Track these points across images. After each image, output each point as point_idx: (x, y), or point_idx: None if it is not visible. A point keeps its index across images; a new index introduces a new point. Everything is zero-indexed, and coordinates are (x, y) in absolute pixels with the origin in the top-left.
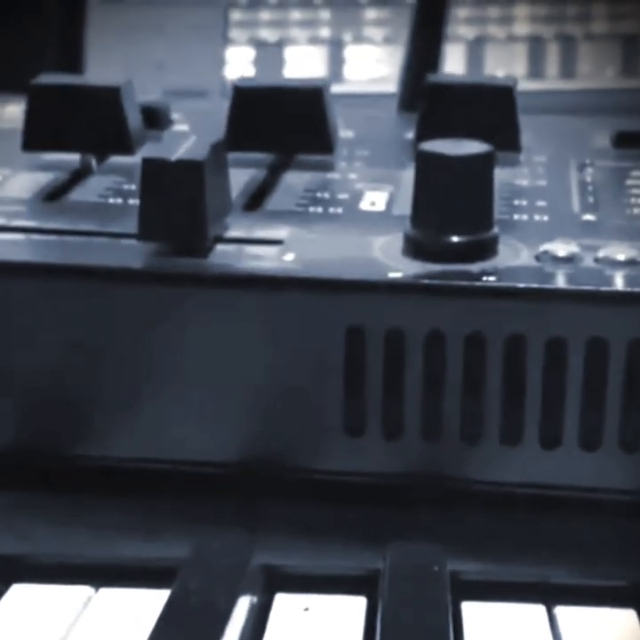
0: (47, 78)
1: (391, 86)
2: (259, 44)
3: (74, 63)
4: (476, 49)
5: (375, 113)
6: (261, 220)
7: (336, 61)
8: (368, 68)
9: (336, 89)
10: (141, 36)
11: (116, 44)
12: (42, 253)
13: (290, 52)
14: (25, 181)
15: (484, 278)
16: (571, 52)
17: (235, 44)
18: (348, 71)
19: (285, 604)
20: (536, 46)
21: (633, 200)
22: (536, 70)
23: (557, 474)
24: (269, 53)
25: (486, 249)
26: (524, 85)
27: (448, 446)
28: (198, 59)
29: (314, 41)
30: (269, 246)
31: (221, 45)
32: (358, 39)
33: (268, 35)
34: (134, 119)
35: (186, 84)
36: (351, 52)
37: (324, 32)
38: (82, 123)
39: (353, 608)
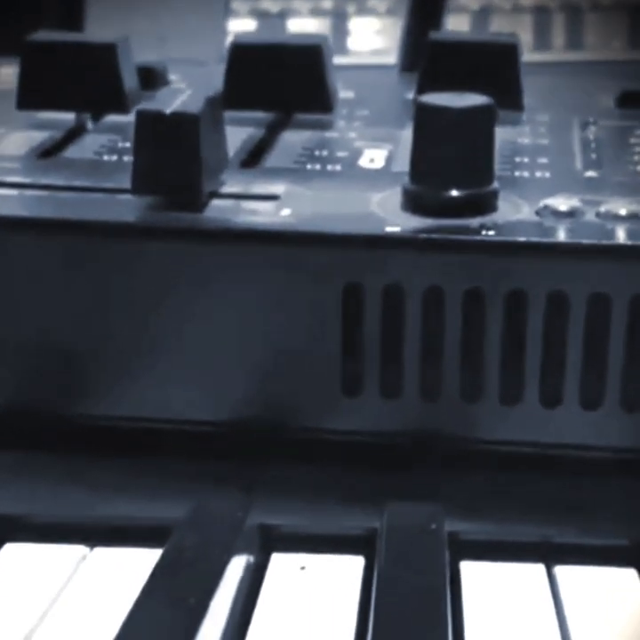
0: (42, 35)
1: (394, 58)
2: (260, 15)
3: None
4: (480, 19)
5: (376, 75)
6: (258, 177)
7: (339, 33)
8: (371, 39)
9: (339, 60)
10: (142, 7)
11: (116, 14)
12: (35, 208)
13: (292, 24)
14: (20, 139)
15: (483, 232)
16: (577, 22)
17: (236, 16)
18: (352, 43)
19: (282, 564)
20: (542, 17)
21: (636, 157)
22: (542, 41)
23: (558, 432)
24: (271, 24)
25: (486, 203)
26: (530, 57)
27: (447, 405)
28: (200, 30)
29: (316, 12)
30: (266, 202)
31: (223, 16)
32: (361, 10)
33: (269, 5)
34: (130, 77)
35: (187, 56)
36: (354, 24)
37: (327, 3)
38: (77, 80)
39: (350, 567)
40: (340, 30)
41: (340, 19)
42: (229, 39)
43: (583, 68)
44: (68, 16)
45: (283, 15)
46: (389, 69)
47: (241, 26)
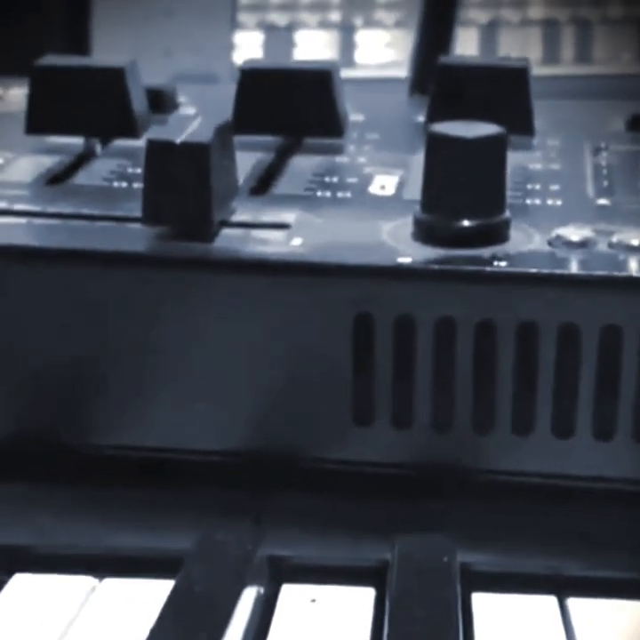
0: (50, 60)
1: (402, 71)
2: (268, 28)
3: (79, 49)
4: (489, 33)
5: (386, 96)
6: (268, 204)
7: (347, 46)
8: (379, 52)
9: (347, 74)
10: (149, 21)
11: (123, 29)
12: (44, 238)
13: (300, 36)
14: (28, 165)
15: (495, 263)
16: (586, 36)
17: (244, 28)
18: (359, 56)
19: (292, 596)
20: (551, 30)
21: None
22: (551, 55)
23: (570, 464)
24: (279, 37)
25: (498, 233)
26: (539, 70)
27: (459, 436)
28: (207, 44)
29: (324, 25)
30: (276, 231)
31: (230, 30)
32: (369, 23)
33: (277, 18)
34: (139, 101)
35: (194, 70)
36: (362, 37)
37: (335, 16)
38: (85, 105)
39: (361, 599)
40: (348, 43)
41: (347, 31)
42: (237, 52)
43: (592, 81)
44: (74, 29)
45: (290, 28)
46: (398, 84)
47: (248, 39)
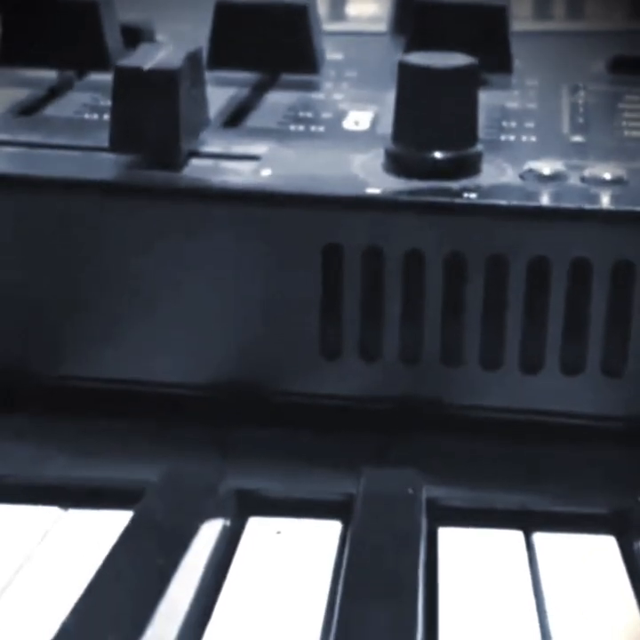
0: None
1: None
2: None
3: None
4: None
5: (366, 37)
6: (240, 137)
7: None
8: (369, 5)
9: (336, 27)
10: None
11: None
12: (12, 165)
13: None
14: (0, 97)
15: (465, 195)
16: None
17: None
18: (350, 9)
19: (258, 528)
20: None
21: (624, 123)
22: (542, 10)
23: (538, 399)
24: None
25: (469, 166)
26: (531, 26)
27: (427, 369)
28: None
29: None
30: (246, 162)
31: None
32: None
33: None
34: (113, 35)
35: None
36: None
37: None
38: (59, 38)
39: (327, 532)
40: None
41: None
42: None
43: (583, 38)
44: None
45: None
46: (384, 36)
47: None
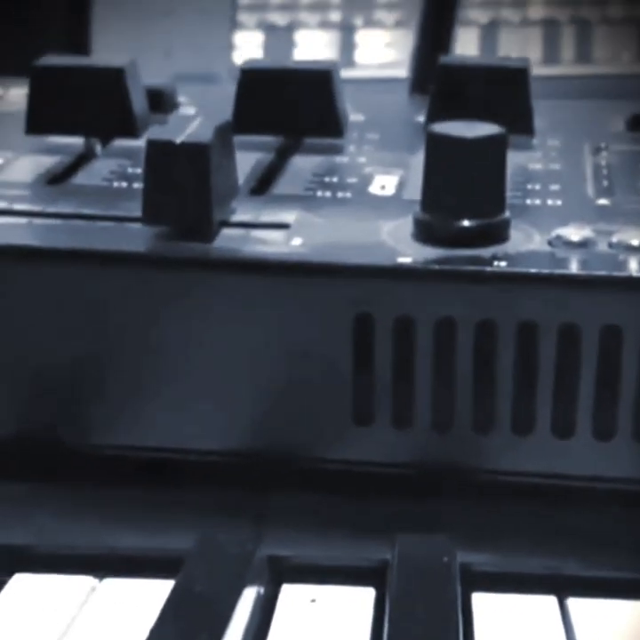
0: (50, 59)
1: (402, 71)
2: (268, 28)
3: (79, 48)
4: (489, 33)
5: (386, 96)
6: (268, 204)
7: (347, 45)
8: (379, 52)
9: (347, 74)
10: (148, 20)
11: (123, 29)
12: (45, 238)
13: (300, 36)
14: (28, 165)
15: (495, 263)
16: (586, 36)
17: (244, 28)
18: (359, 55)
19: (292, 596)
20: (551, 30)
21: None
22: (551, 55)
23: (570, 464)
24: (279, 37)
25: (497, 233)
26: (539, 70)
27: (459, 436)
28: (206, 43)
29: (324, 25)
30: (276, 230)
31: (230, 30)
32: (369, 23)
33: (277, 18)
34: (139, 101)
35: (194, 70)
36: (362, 37)
37: (335, 16)
38: (85, 105)
39: (361, 599)
40: (348, 43)
41: (347, 31)
42: (237, 52)
43: (592, 82)
44: (74, 29)
45: (290, 28)
46: (398, 84)
47: (248, 38)
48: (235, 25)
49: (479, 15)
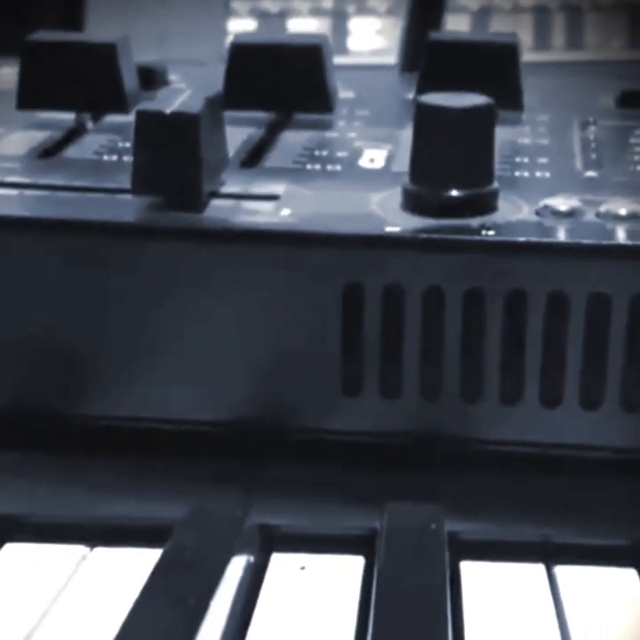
0: (42, 35)
1: (394, 58)
2: (261, 15)
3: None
4: (480, 19)
5: (376, 75)
6: (258, 177)
7: (339, 33)
8: (371, 39)
9: (339, 60)
10: (142, 7)
11: (117, 14)
12: (36, 208)
13: (292, 24)
14: (20, 139)
15: (483, 232)
16: (577, 22)
17: (237, 16)
18: (351, 43)
19: (282, 563)
20: (542, 17)
21: (636, 157)
22: (542, 41)
23: (558, 432)
24: (271, 24)
25: (486, 203)
26: (530, 57)
27: (447, 405)
28: (200, 30)
29: (316, 12)
30: (266, 202)
31: (223, 16)
32: (361, 10)
33: (269, 5)
34: (130, 77)
35: (187, 56)
36: (354, 24)
37: (327, 3)
38: (77, 80)
39: (350, 567)
40: (340, 30)
41: (339, 18)
42: (229, 39)
43: (583, 67)
44: (68, 16)
45: (283, 15)
46: (389, 69)
47: (241, 26)
48: (228, 12)
49: (470, 2)
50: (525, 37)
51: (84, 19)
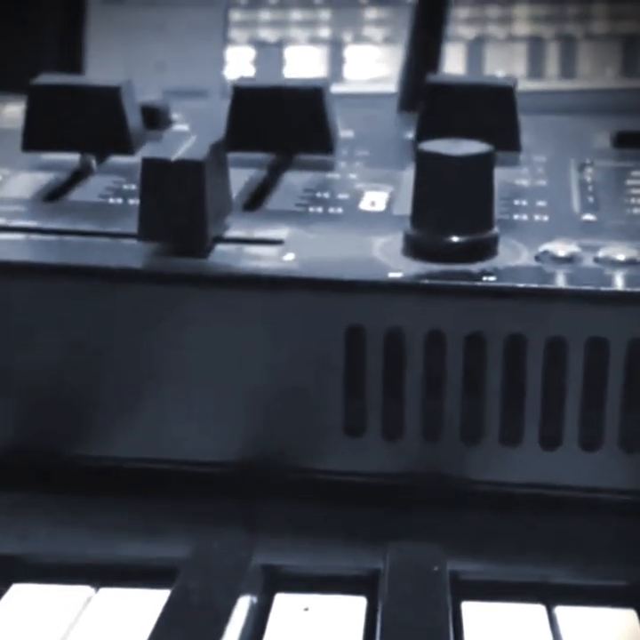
0: (47, 78)
1: (391, 86)
2: (259, 44)
3: (74, 63)
4: (475, 49)
5: (375, 113)
6: (261, 220)
7: (336, 61)
8: (368, 68)
9: (336, 89)
10: (141, 36)
11: (116, 44)
12: (42, 253)
13: (290, 52)
14: (25, 181)
15: (484, 278)
16: (570, 52)
17: (235, 44)
18: (348, 71)
19: (285, 604)
20: (536, 46)
21: (633, 200)
22: (536, 70)
23: (557, 474)
24: (269, 53)
25: (486, 249)
26: (524, 85)
27: (448, 446)
28: (198, 59)
29: (314, 41)
30: (269, 246)
31: (221, 45)
32: (358, 39)
33: (268, 35)
34: (134, 119)
35: (186, 85)
36: (351, 52)
37: (324, 32)
38: (81, 122)
39: (353, 608)
40: (337, 59)
41: (336, 47)
42: (228, 68)
43: (576, 96)
44: (69, 45)
45: (280, 44)
46: (386, 99)
47: (239, 54)
48: (226, 41)
49: (466, 31)
50: (519, 66)
51: (84, 50)
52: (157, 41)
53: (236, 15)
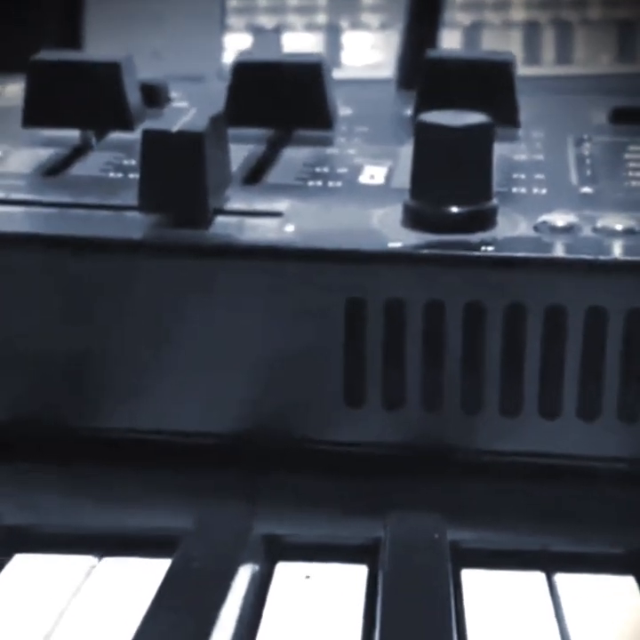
0: (47, 54)
1: (388, 72)
2: (256, 31)
3: (72, 49)
4: (472, 34)
5: (373, 92)
6: (261, 193)
7: (333, 47)
8: (365, 53)
9: (333, 74)
10: (139, 23)
11: (114, 31)
12: (42, 225)
13: (287, 38)
14: (25, 157)
15: (483, 248)
16: (567, 37)
17: (232, 31)
18: (345, 57)
19: (287, 573)
20: (532, 32)
21: (630, 173)
22: (532, 56)
23: (557, 443)
24: (267, 39)
25: (485, 219)
26: (521, 71)
27: (448, 416)
28: (196, 46)
29: (311, 27)
30: (269, 218)
31: (219, 32)
32: (355, 25)
33: (265, 21)
34: (134, 95)
35: (184, 71)
36: (348, 38)
37: (321, 18)
38: (81, 98)
39: (354, 576)
40: (335, 45)
41: (334, 33)
42: (226, 54)
43: (573, 81)
44: (67, 31)
45: (278, 30)
46: (384, 84)
47: (237, 41)
48: (224, 27)
49: (462, 17)
50: (516, 52)
51: (83, 33)
52: (155, 28)
53: (233, 2)
